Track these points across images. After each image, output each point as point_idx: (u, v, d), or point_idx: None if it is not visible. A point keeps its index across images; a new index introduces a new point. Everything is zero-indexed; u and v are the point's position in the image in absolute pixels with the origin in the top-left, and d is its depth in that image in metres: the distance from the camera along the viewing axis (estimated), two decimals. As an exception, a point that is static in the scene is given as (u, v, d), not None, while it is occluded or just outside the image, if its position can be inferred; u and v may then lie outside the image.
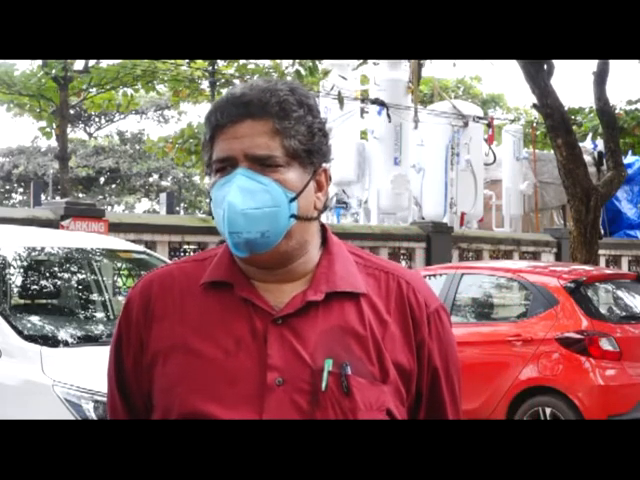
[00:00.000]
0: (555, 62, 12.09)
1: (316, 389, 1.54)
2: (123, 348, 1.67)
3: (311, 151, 1.58)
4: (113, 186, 40.75)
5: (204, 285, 1.63)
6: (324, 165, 1.62)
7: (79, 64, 18.10)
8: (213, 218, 1.60)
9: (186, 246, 12.32)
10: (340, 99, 15.28)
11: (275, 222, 1.54)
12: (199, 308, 1.61)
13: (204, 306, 1.61)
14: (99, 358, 4.83)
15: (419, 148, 18.26)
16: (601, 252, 14.87)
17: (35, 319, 5.34)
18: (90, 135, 41.04)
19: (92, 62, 18.11)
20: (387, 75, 17.69)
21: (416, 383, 1.62)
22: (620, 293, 8.56)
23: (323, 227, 1.67)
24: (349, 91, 17.42)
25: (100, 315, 6.01)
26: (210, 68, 18.53)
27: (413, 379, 1.62)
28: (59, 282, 5.95)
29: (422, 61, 19.42)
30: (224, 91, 20.16)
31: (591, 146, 19.77)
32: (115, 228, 10.96)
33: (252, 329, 1.57)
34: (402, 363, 1.60)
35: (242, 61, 18.57)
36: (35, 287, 5.80)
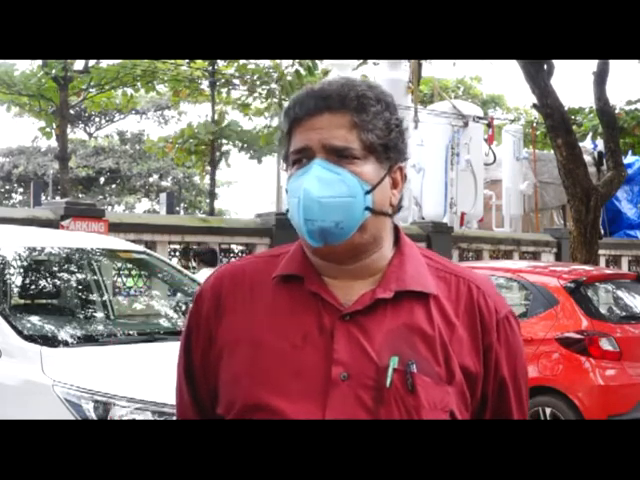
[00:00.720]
0: (555, 62, 12.09)
1: (380, 385, 1.54)
2: (192, 342, 1.69)
3: (388, 146, 1.60)
4: (113, 186, 40.74)
5: (276, 279, 1.64)
6: (400, 163, 1.63)
7: (79, 64, 18.10)
8: (287, 212, 1.60)
9: (185, 245, 12.31)
10: (340, 99, 15.24)
11: (350, 213, 1.55)
12: (268, 301, 1.63)
13: (274, 299, 1.63)
14: (99, 358, 4.83)
15: (419, 148, 18.24)
16: (601, 252, 14.87)
17: (35, 319, 5.34)
18: (90, 135, 41.02)
19: (92, 62, 18.11)
20: (387, 75, 17.69)
21: (482, 388, 1.62)
22: (620, 293, 8.55)
23: (396, 227, 1.68)
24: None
25: (100, 315, 6.01)
26: (210, 68, 18.53)
27: (479, 383, 1.62)
28: (59, 282, 5.95)
29: (422, 61, 19.38)
30: (224, 91, 20.19)
31: (591, 146, 19.76)
32: (115, 228, 10.95)
33: (320, 324, 1.58)
34: (468, 366, 1.60)
35: (242, 61, 18.56)
36: (35, 287, 5.80)
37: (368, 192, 1.57)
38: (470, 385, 1.60)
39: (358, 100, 1.57)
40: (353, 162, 1.56)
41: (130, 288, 9.02)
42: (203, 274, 8.43)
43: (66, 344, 4.94)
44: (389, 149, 1.60)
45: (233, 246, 12.92)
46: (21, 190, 40.42)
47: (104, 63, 18.31)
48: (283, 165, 1.65)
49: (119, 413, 4.30)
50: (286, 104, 1.65)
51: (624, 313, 8.27)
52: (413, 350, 1.57)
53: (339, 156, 1.56)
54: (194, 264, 10.05)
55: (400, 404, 1.54)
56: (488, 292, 1.66)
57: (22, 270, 5.75)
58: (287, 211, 1.61)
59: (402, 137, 1.63)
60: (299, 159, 1.59)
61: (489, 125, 19.58)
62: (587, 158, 15.07)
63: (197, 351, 1.68)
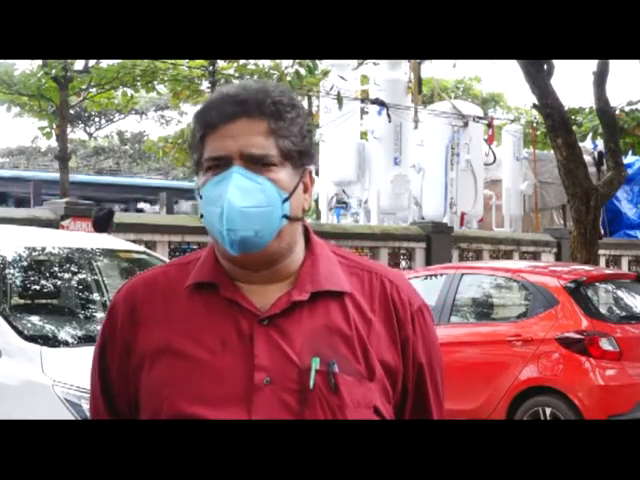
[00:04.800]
0: (555, 62, 12.09)
1: (304, 388, 1.55)
2: (108, 353, 1.68)
3: (302, 152, 1.60)
4: (113, 186, 40.70)
5: (189, 287, 1.63)
6: (309, 167, 1.64)
7: (79, 64, 18.08)
8: (202, 216, 1.59)
9: (186, 246, 12.30)
10: (339, 99, 15.28)
11: (268, 221, 1.55)
12: (184, 310, 1.62)
13: (189, 308, 1.61)
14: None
15: (419, 148, 18.25)
16: (601, 252, 14.87)
17: (35, 319, 5.34)
18: (90, 135, 41.01)
19: (92, 62, 18.10)
20: (387, 75, 17.69)
21: (402, 380, 1.64)
22: (620, 293, 8.56)
23: (306, 228, 1.68)
24: (349, 91, 17.41)
25: (100, 315, 6.00)
26: (210, 68, 18.52)
27: (399, 376, 1.63)
28: (59, 282, 5.95)
29: (421, 61, 19.37)
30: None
31: (591, 146, 19.76)
32: (115, 228, 10.94)
33: (238, 330, 1.58)
34: (387, 361, 1.61)
35: (242, 61, 18.55)
36: (35, 287, 5.80)
37: (285, 200, 1.57)
38: (391, 379, 1.62)
39: (275, 106, 1.57)
40: (271, 169, 1.56)
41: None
42: None
43: (66, 344, 4.95)
44: (303, 155, 1.61)
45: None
46: (21, 190, 40.38)
47: (104, 63, 18.29)
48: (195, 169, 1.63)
49: (119, 413, 4.30)
50: (198, 107, 1.63)
51: (624, 313, 8.28)
52: (333, 350, 1.57)
53: (257, 164, 1.55)
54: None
55: (324, 404, 1.55)
56: (401, 286, 1.68)
57: (22, 270, 5.75)
58: (201, 216, 1.59)
59: (311, 142, 1.65)
60: (215, 165, 1.57)
61: (489, 125, 19.58)
62: (587, 158, 15.07)
63: (113, 363, 1.66)
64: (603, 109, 12.65)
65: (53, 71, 16.93)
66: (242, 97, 1.57)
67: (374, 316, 1.63)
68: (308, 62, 14.79)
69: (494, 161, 19.50)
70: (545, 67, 11.83)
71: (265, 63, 18.91)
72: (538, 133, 21.05)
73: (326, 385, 1.55)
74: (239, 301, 1.59)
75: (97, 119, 40.41)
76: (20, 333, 4.84)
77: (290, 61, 17.40)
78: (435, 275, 8.95)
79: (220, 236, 1.56)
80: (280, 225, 1.57)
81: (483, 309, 8.84)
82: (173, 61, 17.78)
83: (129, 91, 19.69)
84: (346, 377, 1.56)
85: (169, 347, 1.59)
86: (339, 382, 1.55)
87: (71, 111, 24.51)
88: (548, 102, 11.74)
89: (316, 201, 18.06)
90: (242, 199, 1.53)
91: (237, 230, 1.53)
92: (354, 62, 19.14)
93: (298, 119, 1.60)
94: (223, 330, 1.58)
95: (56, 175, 20.00)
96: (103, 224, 8.55)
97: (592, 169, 16.69)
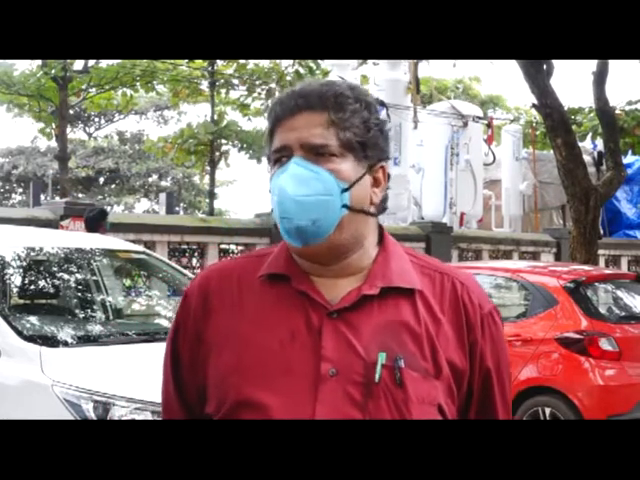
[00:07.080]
0: (555, 62, 12.09)
1: (369, 381, 1.56)
2: (180, 341, 1.70)
3: (366, 144, 1.61)
4: (112, 186, 40.72)
5: (262, 278, 1.66)
6: (382, 162, 1.65)
7: (79, 64, 18.08)
8: (272, 211, 1.62)
9: (185, 246, 12.31)
10: (340, 99, 15.24)
11: (326, 211, 1.57)
12: (256, 300, 1.64)
13: (261, 298, 1.64)
14: (99, 358, 4.83)
15: (419, 148, 18.26)
16: (601, 252, 14.87)
17: (35, 319, 5.33)
18: (90, 135, 40.99)
19: (92, 62, 18.09)
20: (387, 75, 17.71)
21: (467, 382, 1.64)
22: (620, 293, 8.55)
23: (380, 227, 1.70)
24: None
25: (100, 315, 6.01)
26: (209, 68, 18.52)
27: (465, 378, 1.64)
28: (58, 282, 5.94)
29: (419, 61, 19.36)
30: (223, 91, 20.18)
31: (591, 146, 19.77)
32: (115, 228, 10.95)
33: (307, 322, 1.60)
34: (455, 362, 1.62)
35: (241, 61, 18.55)
36: (35, 287, 5.80)
37: (345, 190, 1.58)
38: (456, 380, 1.62)
39: (336, 99, 1.59)
40: (331, 160, 1.58)
41: (130, 288, 9.00)
42: None
43: (66, 344, 4.94)
44: (367, 147, 1.62)
45: (232, 246, 12.93)
46: (20, 190, 40.39)
47: (104, 63, 18.29)
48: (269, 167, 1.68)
49: (119, 413, 4.30)
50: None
51: (624, 313, 8.27)
52: (400, 346, 1.59)
53: (317, 154, 1.58)
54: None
55: (389, 398, 1.56)
56: (472, 288, 1.68)
57: (22, 270, 5.75)
58: (272, 211, 1.63)
59: (382, 136, 1.65)
60: (279, 158, 1.61)
61: (488, 125, 19.58)
62: (587, 158, 15.07)
63: (184, 349, 1.69)
64: (603, 109, 12.64)
65: (53, 71, 16.94)
66: (305, 91, 1.61)
67: (443, 317, 1.63)
68: (308, 62, 14.79)
69: (494, 161, 19.50)
70: (545, 67, 11.83)
71: (265, 63, 18.91)
72: (538, 133, 21.03)
73: (392, 379, 1.56)
74: (310, 293, 1.61)
75: (97, 119, 40.40)
76: (19, 333, 4.83)
77: (290, 61, 17.39)
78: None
79: (279, 225, 1.59)
80: (340, 215, 1.58)
81: (483, 309, 8.83)
82: (173, 61, 17.77)
83: (129, 91, 19.69)
84: (412, 373, 1.57)
85: (239, 335, 1.62)
86: (404, 377, 1.57)
87: (71, 111, 24.51)
88: (548, 102, 11.73)
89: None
90: (297, 187, 1.56)
91: (291, 218, 1.56)
92: (354, 62, 19.15)
93: (363, 112, 1.61)
94: (293, 321, 1.60)
95: None
96: (95, 224, 8.60)
97: (592, 169, 16.70)
